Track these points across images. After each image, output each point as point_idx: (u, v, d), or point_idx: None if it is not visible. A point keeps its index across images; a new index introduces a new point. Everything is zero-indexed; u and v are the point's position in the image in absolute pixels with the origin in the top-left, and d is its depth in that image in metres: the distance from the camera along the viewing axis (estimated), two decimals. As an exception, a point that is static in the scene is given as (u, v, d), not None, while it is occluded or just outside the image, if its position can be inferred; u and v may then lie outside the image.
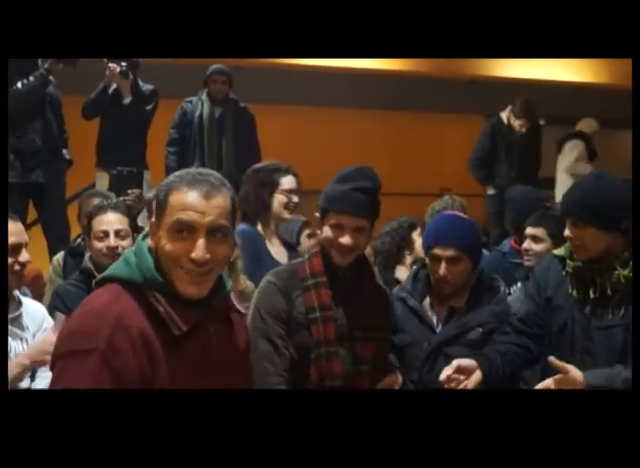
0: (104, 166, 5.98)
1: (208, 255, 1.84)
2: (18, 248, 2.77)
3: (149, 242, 1.91)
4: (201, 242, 1.84)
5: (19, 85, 5.31)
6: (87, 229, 3.60)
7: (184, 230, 1.84)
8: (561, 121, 10.61)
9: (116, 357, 1.76)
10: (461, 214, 3.31)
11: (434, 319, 3.06)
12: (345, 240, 2.66)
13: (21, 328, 2.88)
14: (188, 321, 1.86)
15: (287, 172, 3.91)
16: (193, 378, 1.87)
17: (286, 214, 3.84)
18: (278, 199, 3.80)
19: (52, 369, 1.83)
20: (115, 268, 1.93)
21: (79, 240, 4.47)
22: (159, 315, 1.85)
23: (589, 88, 9.07)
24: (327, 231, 2.71)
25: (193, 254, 1.83)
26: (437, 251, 2.96)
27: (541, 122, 10.69)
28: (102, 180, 5.95)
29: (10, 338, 2.79)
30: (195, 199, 1.85)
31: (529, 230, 3.99)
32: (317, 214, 2.78)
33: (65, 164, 5.78)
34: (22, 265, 2.78)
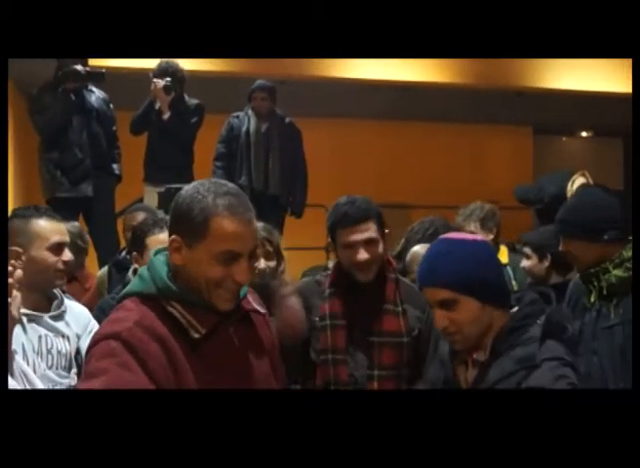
0: (152, 181, 6.06)
1: (247, 277, 1.94)
2: (62, 246, 2.83)
3: (175, 259, 1.95)
4: (246, 266, 1.92)
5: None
6: (138, 245, 3.62)
7: (230, 258, 1.90)
8: (609, 132, 10.53)
9: (137, 342, 1.83)
10: (466, 236, 2.35)
11: (461, 379, 2.28)
12: (361, 255, 2.75)
13: (66, 325, 2.89)
14: (207, 324, 1.93)
15: None
16: (217, 379, 1.93)
17: None
18: None
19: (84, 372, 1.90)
20: (131, 285, 2.03)
21: (124, 253, 4.50)
22: (177, 320, 1.92)
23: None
24: (342, 253, 2.83)
25: (238, 278, 1.91)
26: (427, 293, 2.22)
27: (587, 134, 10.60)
28: (150, 195, 6.01)
29: (52, 335, 2.81)
30: (240, 229, 1.91)
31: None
32: (329, 240, 2.91)
33: (115, 179, 5.92)
34: (66, 264, 2.84)
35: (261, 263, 3.12)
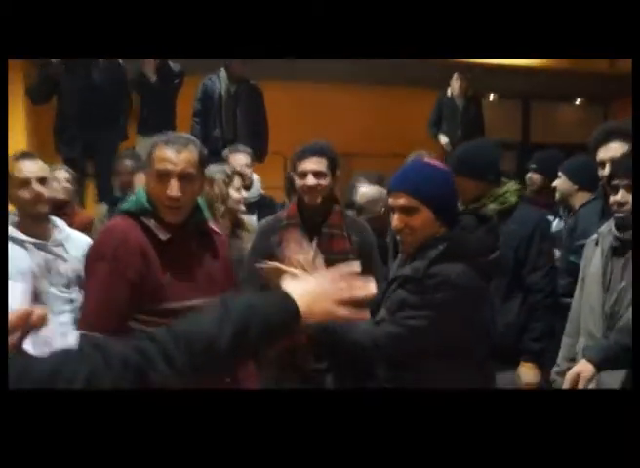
0: (142, 132, 7.02)
1: (179, 193, 2.40)
2: (27, 182, 3.06)
3: (144, 185, 2.54)
4: (174, 183, 2.39)
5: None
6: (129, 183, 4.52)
7: (163, 176, 2.40)
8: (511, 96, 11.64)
9: (119, 263, 2.35)
10: (434, 162, 2.61)
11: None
12: (309, 181, 3.21)
13: (65, 250, 3.19)
14: (169, 231, 2.45)
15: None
16: (182, 272, 2.43)
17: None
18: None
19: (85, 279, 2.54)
20: (122, 205, 2.58)
21: (119, 193, 5.35)
22: (150, 229, 2.42)
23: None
24: (296, 180, 3.30)
25: (169, 192, 2.39)
26: (392, 197, 2.52)
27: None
28: (140, 143, 6.87)
29: (52, 258, 3.11)
30: (169, 153, 2.39)
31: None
32: (291, 173, 3.36)
33: (121, 136, 6.97)
34: (33, 194, 3.06)
35: (243, 193, 3.81)
